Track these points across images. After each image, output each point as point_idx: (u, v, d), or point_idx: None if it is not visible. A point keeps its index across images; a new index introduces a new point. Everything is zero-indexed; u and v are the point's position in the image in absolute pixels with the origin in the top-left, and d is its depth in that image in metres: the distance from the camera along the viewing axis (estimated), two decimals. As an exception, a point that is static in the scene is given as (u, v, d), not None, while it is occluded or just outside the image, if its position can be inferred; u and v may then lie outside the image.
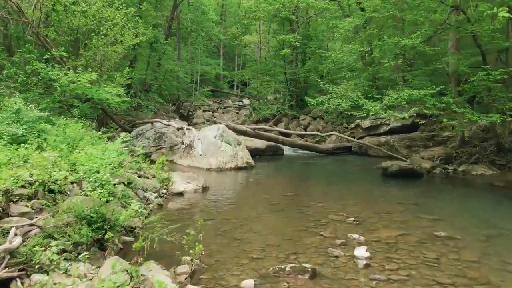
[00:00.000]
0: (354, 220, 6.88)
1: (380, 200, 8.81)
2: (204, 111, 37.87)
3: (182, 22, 40.64)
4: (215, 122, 15.07)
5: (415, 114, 16.33)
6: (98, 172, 6.03)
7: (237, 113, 37.72)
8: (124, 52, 16.91)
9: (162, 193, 8.66)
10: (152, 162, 15.71)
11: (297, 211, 7.67)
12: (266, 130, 16.11)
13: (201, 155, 13.05)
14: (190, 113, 35.86)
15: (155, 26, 28.17)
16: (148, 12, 22.59)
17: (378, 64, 13.53)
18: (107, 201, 5.72)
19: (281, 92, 27.17)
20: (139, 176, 8.63)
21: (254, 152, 16.23)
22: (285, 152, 17.43)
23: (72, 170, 6.24)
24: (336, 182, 11.16)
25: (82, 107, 16.65)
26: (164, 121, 14.92)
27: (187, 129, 14.18)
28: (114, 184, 6.14)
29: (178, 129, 14.11)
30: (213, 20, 41.33)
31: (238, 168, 13.19)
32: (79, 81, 12.81)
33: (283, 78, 26.95)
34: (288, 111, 23.90)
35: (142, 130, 15.56)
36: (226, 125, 14.92)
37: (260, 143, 16.49)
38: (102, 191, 5.71)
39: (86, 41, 15.02)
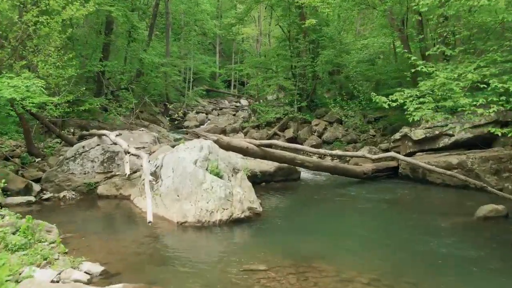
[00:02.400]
0: None
1: None
2: (197, 112, 31.50)
3: (174, 15, 34.32)
4: (198, 136, 8.66)
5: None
6: None
7: (234, 115, 31.40)
8: (68, 33, 10.53)
9: None
10: (100, 197, 9.47)
11: None
12: (278, 147, 9.77)
13: (157, 209, 6.62)
14: (180, 115, 29.56)
15: (134, 10, 21.80)
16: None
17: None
18: None
19: (287, 91, 20.83)
20: None
21: (259, 178, 10.01)
22: (302, 175, 11.23)
23: None
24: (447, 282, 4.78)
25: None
26: (113, 135, 8.52)
27: (132, 155, 7.77)
28: None
29: (126, 152, 7.73)
30: (207, 12, 35.02)
31: (234, 221, 6.91)
32: None
33: (289, 73, 20.62)
34: (297, 114, 17.60)
35: (84, 147, 9.20)
36: (216, 141, 8.61)
37: (267, 165, 10.25)
38: None
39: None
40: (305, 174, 11.45)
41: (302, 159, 9.82)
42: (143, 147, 9.13)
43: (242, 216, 6.96)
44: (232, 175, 7.85)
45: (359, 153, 10.62)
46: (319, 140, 16.19)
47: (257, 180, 10.02)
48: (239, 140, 9.16)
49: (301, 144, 16.91)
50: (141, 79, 23.80)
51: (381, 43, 13.52)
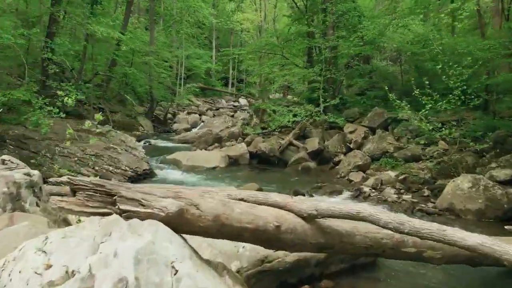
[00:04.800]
0: None
1: None
2: (189, 113, 25.06)
3: (166, 5, 27.87)
4: (110, 198, 2.05)
5: None
6: None
7: (233, 116, 24.99)
8: None
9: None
10: None
11: None
12: (363, 217, 3.33)
13: None
14: (168, 116, 23.13)
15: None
16: None
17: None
18: None
19: (304, 85, 14.45)
20: None
21: (294, 272, 3.58)
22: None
23: None
24: None
25: None
26: None
27: None
28: None
29: None
30: (202, -2, 28.47)
31: None
32: None
33: (303, 61, 14.18)
34: (325, 117, 11.19)
35: None
36: (177, 217, 2.30)
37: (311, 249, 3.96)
38: None
39: None
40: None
41: (417, 244, 3.38)
42: None
43: None
44: None
45: None
46: (365, 157, 9.73)
47: (289, 280, 3.77)
48: (250, 205, 2.75)
49: (333, 160, 10.57)
50: (114, 70, 17.35)
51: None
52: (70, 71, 16.30)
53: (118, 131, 11.58)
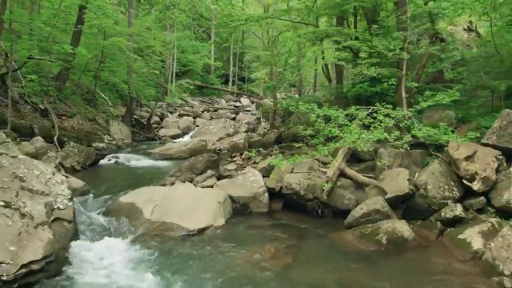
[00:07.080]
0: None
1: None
2: (181, 115, 19.13)
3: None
4: None
5: None
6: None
7: (234, 118, 19.14)
8: None
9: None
10: None
11: None
12: None
13: None
14: (155, 119, 17.20)
15: None
16: None
17: None
18: None
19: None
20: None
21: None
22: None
23: None
24: None
25: None
26: None
27: None
28: None
29: None
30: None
31: None
32: None
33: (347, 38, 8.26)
34: (426, 131, 5.31)
35: None
36: None
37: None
38: None
39: None
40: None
41: None
42: None
43: None
44: None
45: None
46: None
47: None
48: None
49: (441, 217, 4.66)
50: (53, 50, 11.41)
51: None
52: (5, 56, 10.48)
53: (16, 156, 5.63)
